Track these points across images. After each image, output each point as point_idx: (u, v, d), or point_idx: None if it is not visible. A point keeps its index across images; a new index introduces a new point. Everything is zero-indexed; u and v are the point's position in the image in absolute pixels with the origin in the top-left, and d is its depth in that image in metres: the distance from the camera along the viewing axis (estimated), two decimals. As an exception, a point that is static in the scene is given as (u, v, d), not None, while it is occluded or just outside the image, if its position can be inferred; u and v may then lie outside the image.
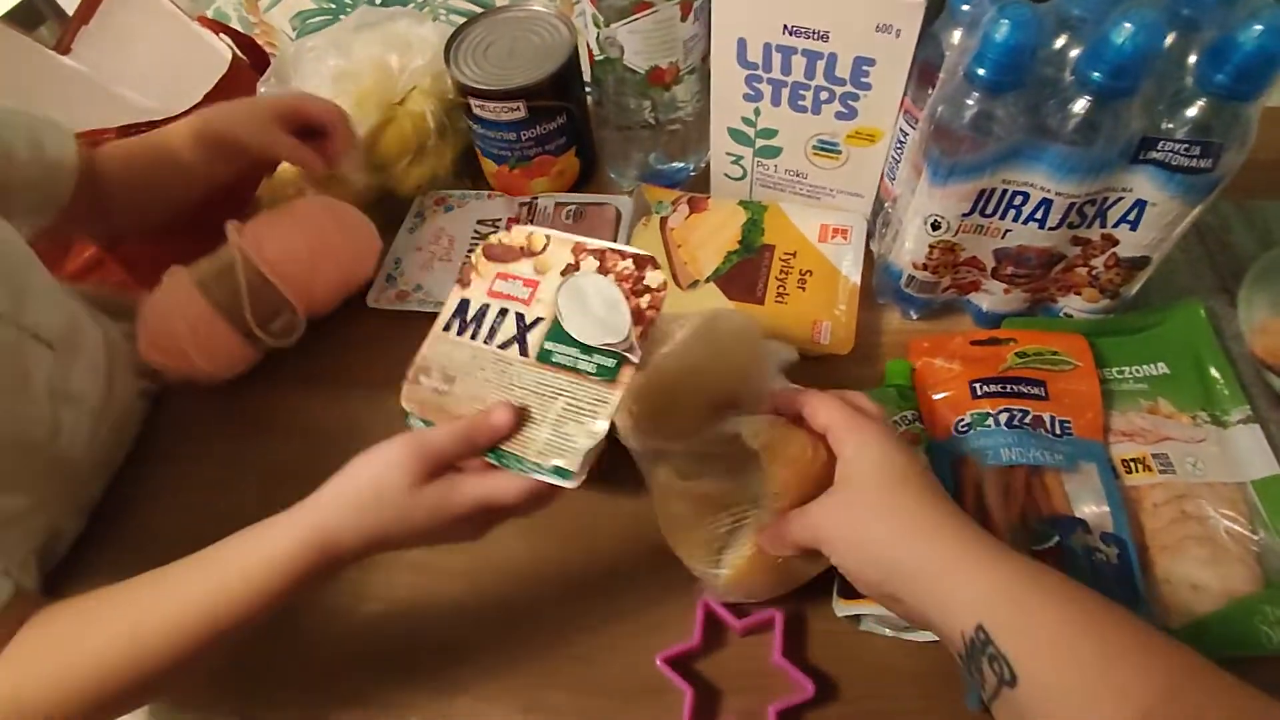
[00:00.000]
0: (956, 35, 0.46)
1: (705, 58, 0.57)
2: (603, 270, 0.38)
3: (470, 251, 0.63)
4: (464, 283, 0.41)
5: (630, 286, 0.38)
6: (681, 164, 0.66)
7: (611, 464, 0.48)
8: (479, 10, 0.92)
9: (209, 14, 1.01)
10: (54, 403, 0.49)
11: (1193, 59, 0.40)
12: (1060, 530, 0.44)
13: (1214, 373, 0.51)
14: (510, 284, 0.39)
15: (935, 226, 0.49)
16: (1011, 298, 0.54)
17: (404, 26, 0.67)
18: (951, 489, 0.47)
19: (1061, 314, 0.55)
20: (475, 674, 0.46)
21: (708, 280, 0.58)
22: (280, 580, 0.37)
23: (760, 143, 0.58)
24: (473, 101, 0.60)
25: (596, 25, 0.55)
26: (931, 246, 0.50)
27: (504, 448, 0.37)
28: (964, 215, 0.48)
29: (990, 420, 0.49)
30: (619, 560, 0.49)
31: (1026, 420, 0.48)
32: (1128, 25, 0.37)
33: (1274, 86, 0.38)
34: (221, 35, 0.80)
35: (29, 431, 0.48)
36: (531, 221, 0.64)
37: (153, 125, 0.70)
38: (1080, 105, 0.41)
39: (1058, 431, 0.48)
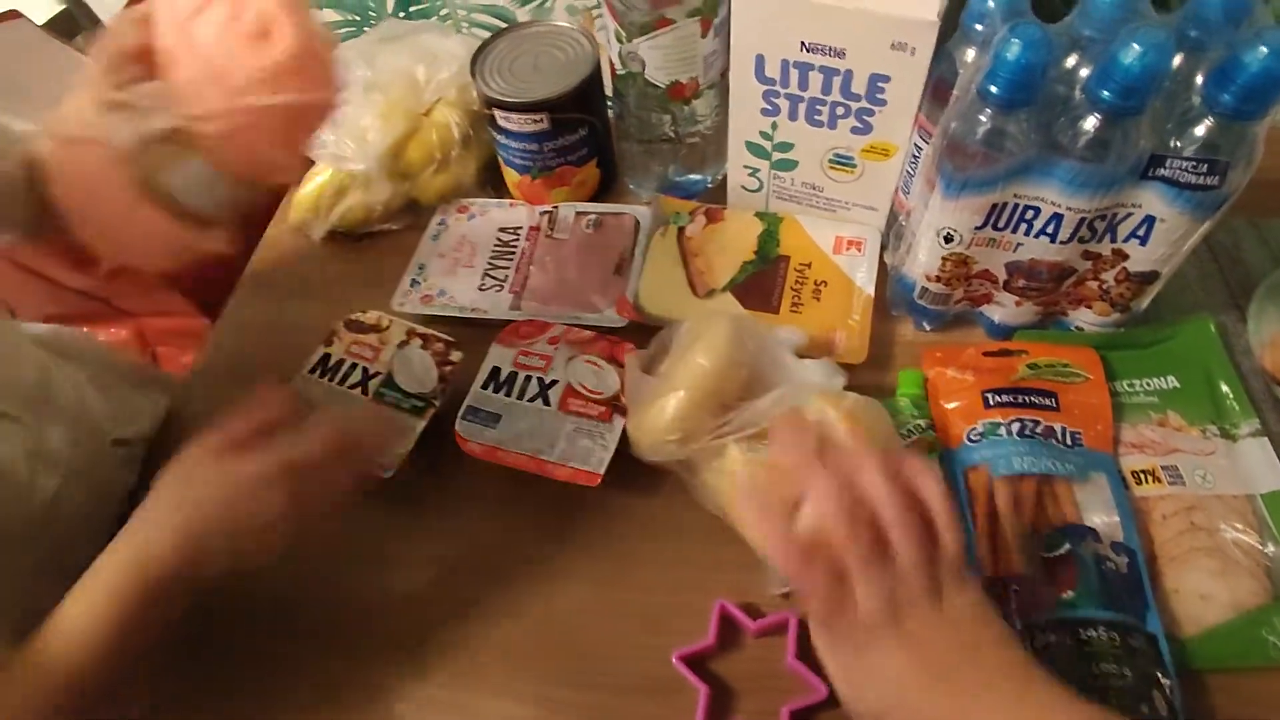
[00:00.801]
0: (970, 53, 0.47)
1: (724, 73, 0.58)
2: (424, 347, 0.56)
3: (490, 258, 0.65)
4: (328, 343, 0.57)
5: (440, 360, 0.55)
6: (699, 176, 0.67)
7: (627, 470, 0.49)
8: (503, 25, 0.95)
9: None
10: (30, 470, 0.47)
11: (1200, 79, 0.41)
12: (1071, 538, 0.45)
13: (1224, 387, 0.51)
14: (361, 348, 0.56)
15: (948, 239, 0.50)
16: (1023, 310, 0.55)
17: (430, 39, 0.69)
18: (962, 497, 0.48)
19: (1073, 327, 0.56)
20: (490, 669, 0.47)
21: (724, 289, 0.60)
22: (105, 627, 0.35)
23: (777, 156, 0.60)
24: (497, 113, 0.62)
25: (619, 41, 0.57)
26: (944, 259, 0.51)
27: None
28: (976, 229, 0.49)
29: (1002, 430, 0.50)
30: (634, 561, 0.50)
31: (1038, 430, 0.49)
32: (1136, 46, 0.38)
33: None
34: (253, 47, 0.82)
35: (6, 511, 0.45)
36: (553, 230, 0.66)
37: (186, 133, 0.72)
38: (1090, 123, 0.42)
39: (1069, 442, 0.49)
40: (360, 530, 0.53)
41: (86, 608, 0.36)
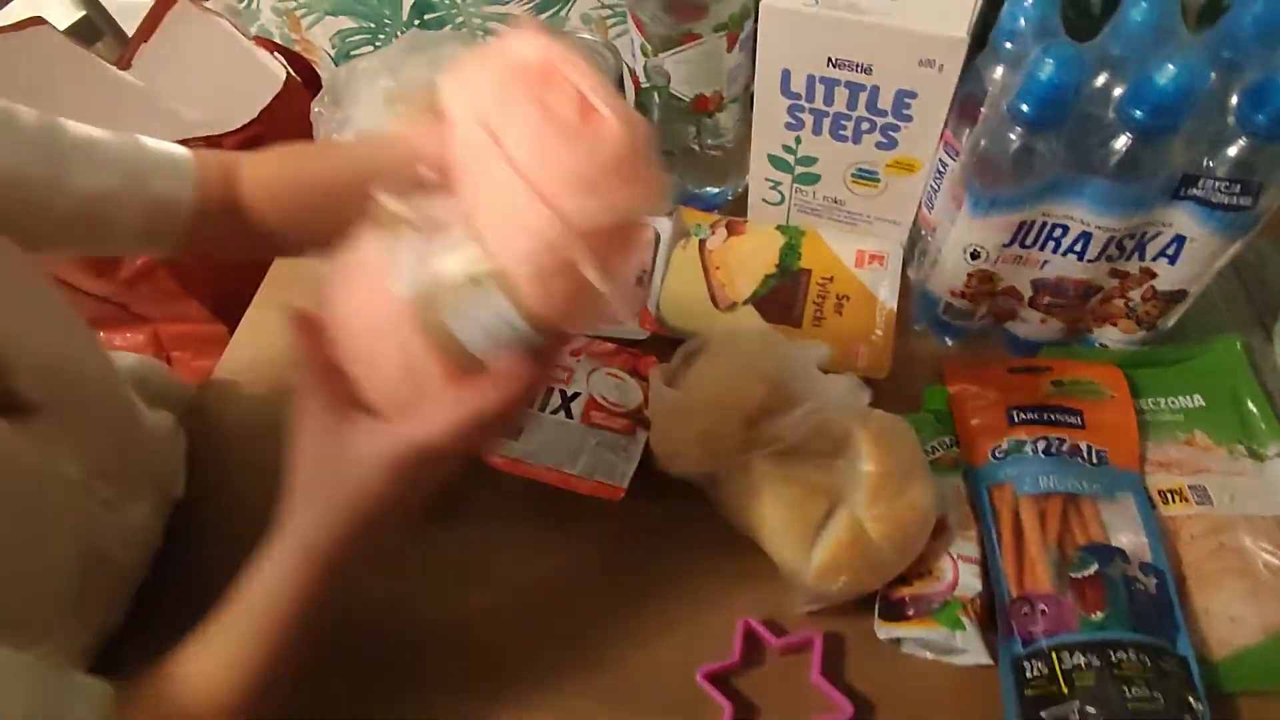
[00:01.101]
0: (999, 71, 0.47)
1: (748, 87, 0.58)
2: None
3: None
4: None
5: None
6: (721, 188, 0.67)
7: (651, 483, 0.49)
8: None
9: (253, 31, 1.04)
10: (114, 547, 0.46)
11: (1234, 99, 0.41)
12: (1099, 558, 0.45)
13: (1250, 406, 0.51)
14: None
15: (974, 256, 0.50)
16: (1047, 327, 0.55)
17: (452, 50, 0.69)
18: (989, 514, 0.48)
19: (1097, 344, 0.56)
20: (511, 682, 0.46)
21: (745, 303, 0.60)
22: (287, 618, 0.36)
23: (800, 170, 0.60)
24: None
25: (644, 54, 0.57)
26: (970, 275, 0.51)
27: None
28: (1004, 246, 0.49)
29: (1027, 448, 0.49)
30: (657, 575, 0.50)
31: (1064, 448, 0.49)
32: (1170, 66, 0.38)
33: (1316, 128, 0.39)
34: (275, 54, 0.83)
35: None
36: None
37: (207, 140, 0.73)
38: (1122, 142, 0.42)
39: (1095, 461, 0.49)
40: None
41: (265, 617, 0.36)
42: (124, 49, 0.82)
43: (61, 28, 0.93)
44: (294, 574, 0.36)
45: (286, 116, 0.73)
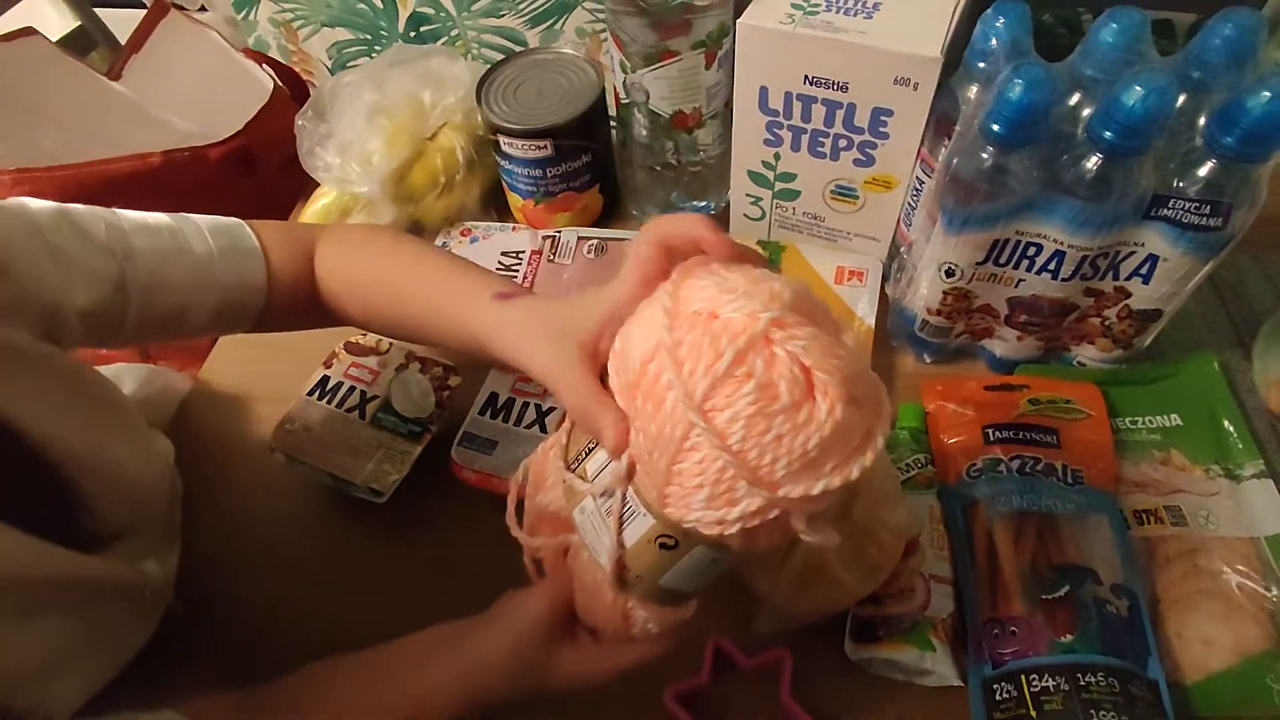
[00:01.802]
0: (973, 90, 0.48)
1: (728, 104, 0.58)
2: (423, 371, 0.56)
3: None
4: (328, 364, 0.57)
5: (439, 384, 0.55)
6: (702, 203, 0.67)
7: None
8: (515, 48, 0.95)
9: (250, 42, 1.05)
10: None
11: (1203, 120, 0.41)
12: (1071, 580, 0.44)
13: (1227, 425, 0.51)
14: (360, 371, 0.56)
15: (949, 274, 0.50)
16: (1025, 345, 0.54)
17: (437, 64, 0.70)
18: (963, 534, 0.48)
19: (1075, 362, 0.56)
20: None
21: (724, 317, 0.59)
22: None
23: (779, 186, 0.60)
24: (501, 139, 0.62)
25: (624, 71, 0.57)
26: (945, 293, 0.51)
27: (339, 474, 0.51)
28: (978, 264, 0.49)
29: (1002, 467, 0.49)
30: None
31: (1039, 468, 0.49)
32: (1138, 88, 0.38)
33: None
34: (264, 66, 0.83)
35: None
36: (555, 255, 0.66)
37: (195, 150, 0.73)
38: (1092, 162, 0.42)
39: (1070, 480, 0.49)
40: (353, 555, 0.53)
41: (427, 693, 0.38)
42: (114, 59, 0.83)
43: (56, 38, 0.94)
44: (460, 704, 0.38)
45: (272, 129, 0.74)
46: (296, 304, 0.49)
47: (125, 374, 0.60)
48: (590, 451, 0.34)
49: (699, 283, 0.29)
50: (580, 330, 0.35)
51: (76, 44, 0.98)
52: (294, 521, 0.55)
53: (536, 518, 0.40)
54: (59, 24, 0.98)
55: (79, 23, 0.98)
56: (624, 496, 0.31)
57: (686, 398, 0.27)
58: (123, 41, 0.85)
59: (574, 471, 0.34)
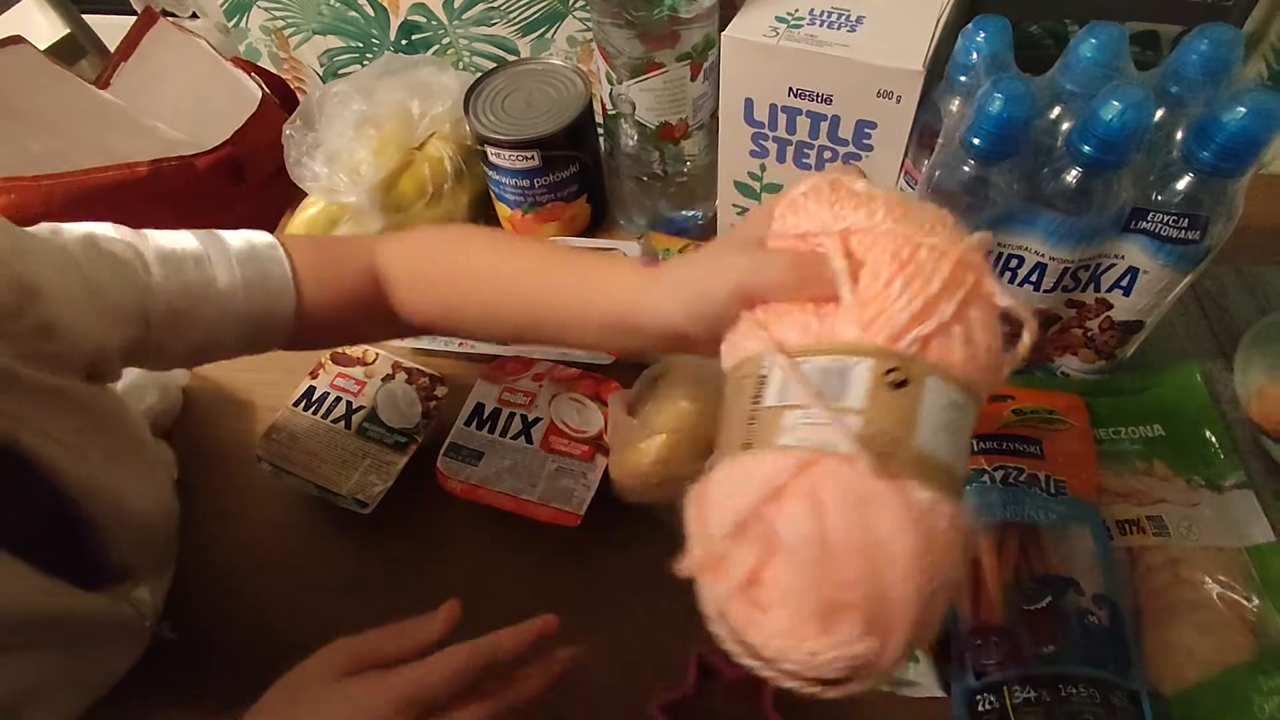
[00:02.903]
0: (955, 103, 0.48)
1: (714, 115, 0.59)
2: (409, 381, 0.56)
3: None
4: (314, 375, 0.57)
5: (425, 394, 0.55)
6: (689, 213, 0.68)
7: (609, 510, 0.49)
8: (507, 57, 0.95)
9: (241, 50, 1.05)
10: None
11: (1180, 135, 0.41)
12: (1052, 590, 0.45)
13: (1210, 436, 0.51)
14: (346, 381, 0.56)
15: (933, 285, 0.50)
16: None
17: (426, 74, 0.70)
18: (945, 544, 0.48)
19: (1059, 373, 0.56)
20: None
21: (711, 327, 0.60)
22: None
23: (766, 196, 0.60)
24: (489, 149, 0.62)
25: (610, 82, 0.57)
26: (929, 304, 0.51)
27: (325, 485, 0.51)
28: (961, 275, 0.49)
29: (986, 477, 0.49)
30: (613, 603, 0.49)
31: (1022, 478, 0.49)
32: (1116, 103, 0.39)
33: (1258, 163, 0.40)
34: (253, 75, 0.83)
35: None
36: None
37: (183, 159, 0.73)
38: (1072, 175, 0.42)
39: (1052, 491, 0.49)
40: (338, 565, 0.53)
41: None
42: (103, 68, 0.83)
43: (45, 45, 0.94)
44: None
45: (261, 138, 0.74)
46: (341, 325, 0.46)
47: (150, 387, 0.59)
48: (757, 399, 0.28)
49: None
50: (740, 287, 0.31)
51: (65, 52, 0.97)
52: (280, 532, 0.55)
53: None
54: (49, 31, 0.98)
55: (68, 30, 0.98)
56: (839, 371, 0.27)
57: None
58: (112, 49, 0.85)
59: (753, 421, 0.28)
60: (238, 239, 0.43)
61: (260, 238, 0.44)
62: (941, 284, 0.27)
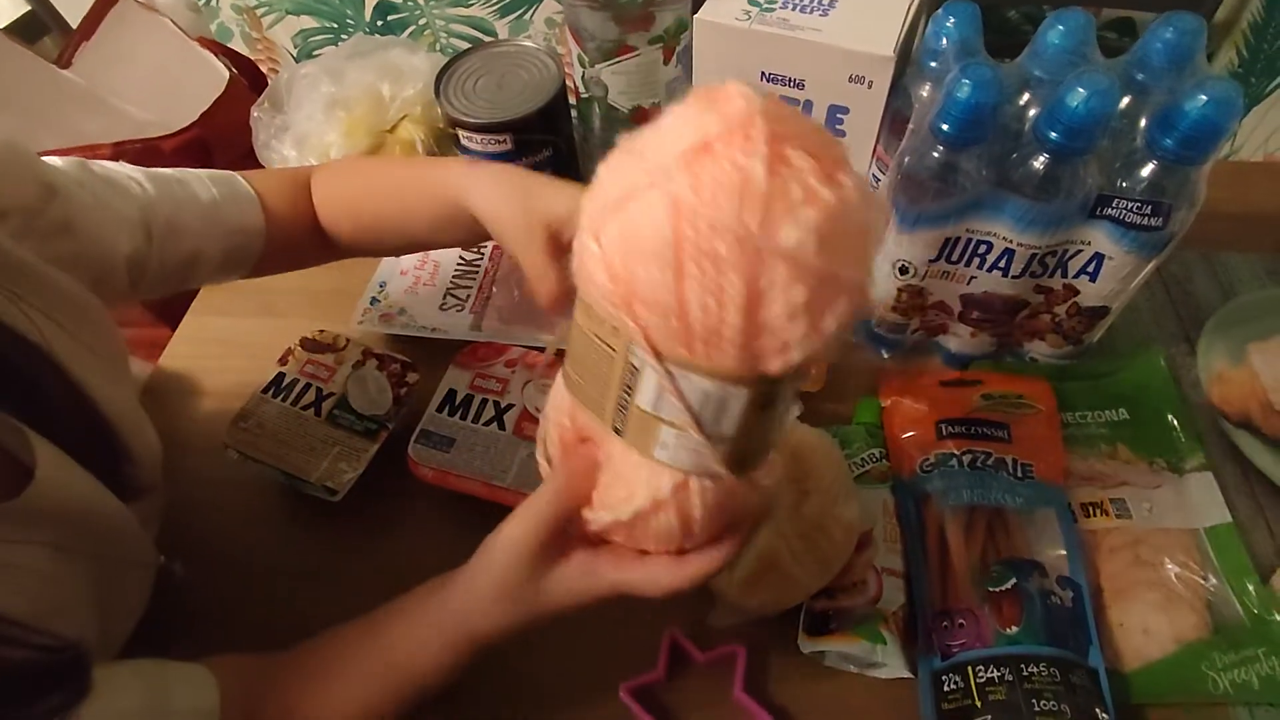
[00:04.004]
0: (925, 89, 0.48)
1: (687, 99, 0.58)
2: (380, 368, 0.55)
3: (452, 277, 0.64)
4: (283, 362, 0.56)
5: (396, 381, 0.55)
6: (664, 198, 0.67)
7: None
8: (483, 35, 0.94)
9: (213, 29, 1.03)
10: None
11: (1144, 122, 0.41)
12: (1017, 572, 0.45)
13: (1172, 420, 0.52)
14: (316, 368, 0.56)
15: (903, 271, 0.50)
16: (978, 341, 0.55)
17: (397, 56, 0.69)
18: (916, 528, 0.48)
19: (1027, 358, 0.57)
20: (438, 700, 0.46)
21: (685, 313, 0.60)
22: (436, 678, 0.38)
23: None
24: (460, 132, 0.61)
25: (582, 65, 0.57)
26: (900, 290, 0.52)
27: (294, 472, 0.50)
28: (930, 261, 0.49)
29: (954, 461, 0.50)
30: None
31: (989, 463, 0.50)
32: (1081, 90, 0.39)
33: (1219, 150, 0.40)
34: (221, 56, 0.82)
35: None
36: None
37: (147, 141, 0.72)
38: (1040, 162, 0.43)
39: (1019, 475, 0.50)
40: (309, 551, 0.53)
41: (423, 671, 0.38)
42: (65, 47, 0.81)
43: (4, 24, 0.91)
44: (451, 656, 0.37)
45: (227, 119, 0.72)
46: (294, 242, 0.51)
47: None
48: (630, 390, 0.29)
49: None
50: (547, 209, 0.41)
51: (26, 30, 0.94)
52: (248, 519, 0.55)
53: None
54: (9, 8, 0.95)
55: (29, 8, 0.95)
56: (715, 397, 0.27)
57: (745, 238, 0.24)
58: (75, 27, 0.83)
59: (625, 413, 0.29)
60: (200, 170, 0.48)
61: (219, 170, 0.49)
62: (837, 324, 0.26)
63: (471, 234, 0.47)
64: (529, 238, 0.41)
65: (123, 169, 0.44)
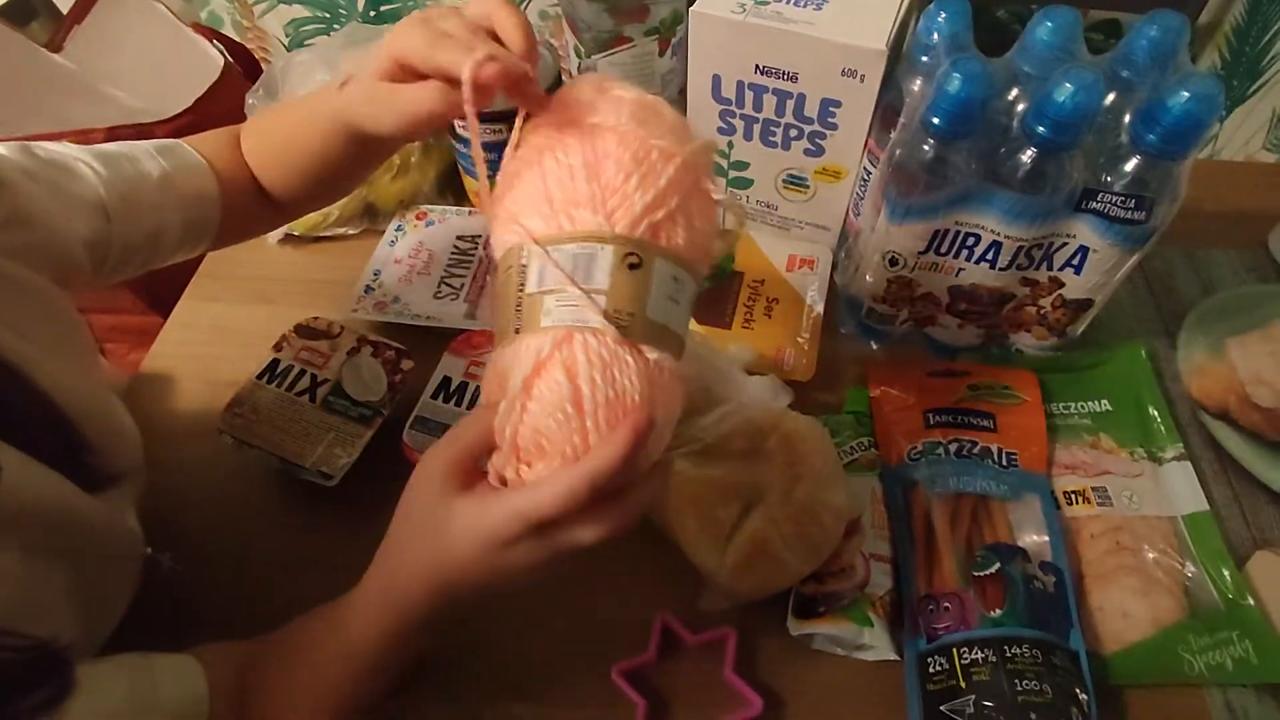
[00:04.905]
0: (917, 83, 0.49)
1: (682, 91, 0.59)
2: (375, 355, 0.55)
3: (447, 266, 0.65)
4: (278, 348, 0.56)
5: (390, 368, 0.55)
6: (658, 190, 0.68)
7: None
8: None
9: (203, 17, 1.02)
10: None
11: (1128, 118, 0.42)
12: (1001, 558, 0.46)
13: (1152, 411, 0.53)
14: (310, 354, 0.56)
15: (893, 262, 0.51)
16: (966, 332, 0.56)
17: (393, 45, 0.69)
18: (903, 514, 0.49)
19: (1013, 350, 0.58)
20: (429, 675, 0.46)
21: (678, 304, 0.60)
22: (386, 655, 0.37)
23: (733, 174, 0.60)
24: (456, 122, 0.62)
25: (578, 56, 0.57)
26: (889, 281, 0.53)
27: (288, 457, 0.51)
28: (920, 253, 0.50)
29: (941, 450, 0.51)
30: (579, 572, 0.50)
31: (975, 451, 0.51)
32: (1068, 85, 0.40)
33: (1201, 146, 0.41)
34: (215, 42, 0.81)
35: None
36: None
37: (140, 127, 0.71)
38: (1027, 156, 0.44)
39: (1004, 463, 0.51)
40: (304, 536, 0.53)
41: (351, 634, 0.37)
42: (55, 30, 0.80)
43: (-7, 7, 0.90)
44: (376, 623, 0.36)
45: (221, 107, 0.72)
46: (246, 206, 0.51)
47: None
48: (522, 288, 0.32)
49: None
50: (387, 57, 0.37)
51: (16, 13, 0.93)
52: (243, 504, 0.55)
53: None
54: (-4, -8, 0.94)
55: (18, -9, 0.94)
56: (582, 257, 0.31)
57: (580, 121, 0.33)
58: (65, 11, 0.82)
59: (520, 311, 0.32)
60: (144, 143, 0.48)
61: (162, 140, 0.48)
62: (668, 181, 0.32)
63: (375, 149, 0.47)
64: (389, 107, 0.37)
65: (69, 149, 0.43)
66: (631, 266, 0.31)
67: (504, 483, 0.33)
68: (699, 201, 0.34)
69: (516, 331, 0.32)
